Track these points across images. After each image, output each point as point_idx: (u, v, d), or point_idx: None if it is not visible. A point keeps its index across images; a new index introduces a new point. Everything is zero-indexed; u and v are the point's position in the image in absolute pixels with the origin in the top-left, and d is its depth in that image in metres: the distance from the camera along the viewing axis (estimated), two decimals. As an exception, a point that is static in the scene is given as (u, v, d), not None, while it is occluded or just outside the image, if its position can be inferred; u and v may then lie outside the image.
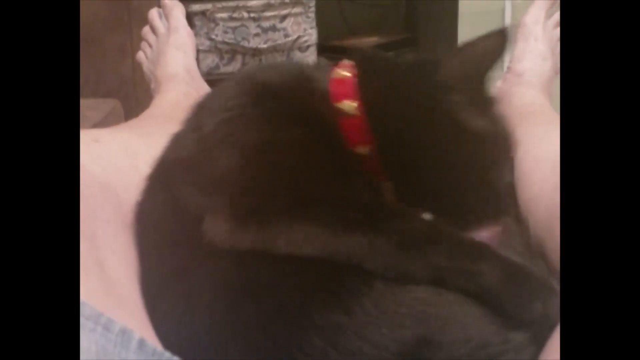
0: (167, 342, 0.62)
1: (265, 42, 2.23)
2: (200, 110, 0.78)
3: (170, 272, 0.67)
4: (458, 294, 0.63)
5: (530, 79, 1.32)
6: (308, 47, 2.31)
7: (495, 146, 0.78)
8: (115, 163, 0.79)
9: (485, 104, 0.77)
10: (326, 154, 0.72)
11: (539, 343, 0.62)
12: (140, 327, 0.61)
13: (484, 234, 0.75)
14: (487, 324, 0.62)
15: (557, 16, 1.46)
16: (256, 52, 2.23)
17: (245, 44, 2.21)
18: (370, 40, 2.48)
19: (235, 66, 2.24)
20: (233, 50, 2.22)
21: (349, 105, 0.73)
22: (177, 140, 0.78)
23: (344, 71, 0.76)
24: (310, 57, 2.31)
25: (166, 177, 0.74)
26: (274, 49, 2.25)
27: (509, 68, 1.37)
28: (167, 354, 0.57)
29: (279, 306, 0.62)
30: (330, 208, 0.66)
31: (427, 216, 0.72)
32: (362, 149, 0.73)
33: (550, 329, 0.62)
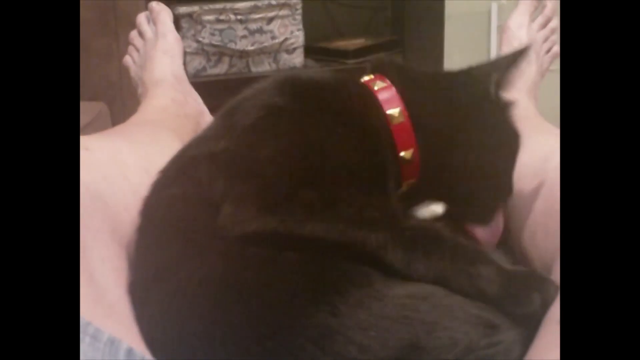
0: (155, 346, 0.63)
1: (252, 44, 2.23)
2: (232, 113, 0.80)
3: (160, 268, 0.67)
4: (444, 299, 0.64)
5: (515, 83, 1.32)
6: (295, 49, 2.31)
7: (515, 149, 0.87)
8: (104, 171, 0.79)
9: (505, 107, 0.87)
10: (363, 156, 0.76)
11: (526, 343, 0.63)
12: (129, 335, 0.61)
13: (487, 233, 0.86)
14: (474, 326, 0.62)
15: (540, 19, 1.47)
16: (243, 54, 2.24)
17: (232, 46, 2.21)
18: (357, 42, 2.48)
19: (222, 68, 2.24)
20: (220, 53, 2.22)
21: (396, 111, 0.79)
22: (204, 139, 0.80)
23: (381, 81, 0.83)
24: (297, 59, 2.31)
25: (188, 170, 0.75)
26: (261, 51, 2.26)
27: (493, 72, 1.37)
28: None
29: (267, 307, 0.62)
30: (355, 207, 0.69)
31: (438, 208, 0.81)
32: (407, 153, 0.79)
33: (537, 326, 0.64)
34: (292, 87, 0.81)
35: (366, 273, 0.65)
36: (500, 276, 0.66)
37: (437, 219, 0.81)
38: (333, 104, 0.79)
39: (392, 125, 0.79)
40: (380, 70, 0.86)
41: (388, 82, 0.83)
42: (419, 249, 0.67)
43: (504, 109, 0.87)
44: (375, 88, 0.82)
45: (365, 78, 0.85)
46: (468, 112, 0.84)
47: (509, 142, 0.88)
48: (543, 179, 0.84)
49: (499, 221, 0.88)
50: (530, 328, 0.64)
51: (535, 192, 0.85)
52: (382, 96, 0.81)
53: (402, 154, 0.79)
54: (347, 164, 0.74)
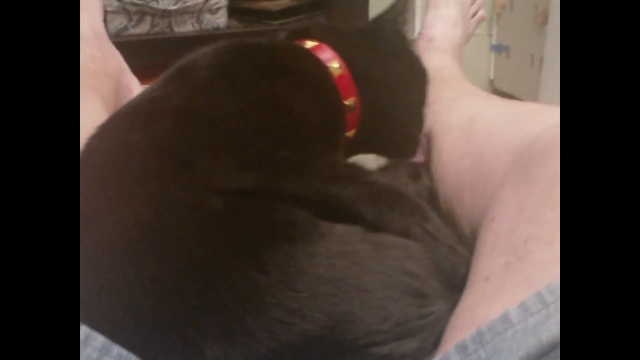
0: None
1: (174, 4, 2.18)
2: (181, 74, 0.80)
3: (89, 214, 0.63)
4: (375, 263, 0.63)
5: (441, 45, 1.33)
6: (218, 9, 2.27)
7: (426, 84, 1.01)
8: None
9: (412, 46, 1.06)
10: (321, 113, 0.81)
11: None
12: None
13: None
14: (406, 297, 0.62)
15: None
16: (165, 13, 2.19)
17: (154, 5, 2.16)
18: (282, 3, 2.45)
19: (144, 28, 2.19)
20: (142, 12, 2.17)
21: (335, 64, 0.87)
22: (154, 97, 0.78)
23: (311, 41, 0.90)
24: (220, 19, 2.28)
25: (140, 123, 0.72)
26: (184, 11, 2.21)
27: (420, 34, 1.38)
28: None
29: (189, 261, 0.59)
30: (327, 165, 0.72)
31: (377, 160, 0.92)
32: (350, 101, 0.87)
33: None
34: (240, 50, 0.84)
35: (294, 222, 0.64)
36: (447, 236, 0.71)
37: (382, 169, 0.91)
38: (283, 64, 0.82)
39: (334, 77, 0.85)
40: (305, 34, 0.91)
41: (317, 41, 0.89)
42: (384, 204, 0.69)
43: (412, 48, 1.03)
44: (307, 47, 0.88)
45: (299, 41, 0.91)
46: (390, 56, 0.94)
47: (423, 78, 1.00)
48: (470, 139, 0.84)
49: (422, 143, 1.00)
50: (458, 296, 0.64)
51: (463, 152, 0.85)
52: (319, 53, 0.87)
53: (346, 102, 0.86)
54: (311, 122, 0.77)
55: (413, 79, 0.99)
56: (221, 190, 0.65)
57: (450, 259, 0.68)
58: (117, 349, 0.56)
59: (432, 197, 0.91)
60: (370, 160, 0.95)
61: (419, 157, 1.00)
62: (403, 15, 0.99)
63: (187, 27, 2.23)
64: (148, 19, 2.19)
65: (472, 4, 1.45)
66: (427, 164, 0.96)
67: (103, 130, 0.75)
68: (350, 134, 0.89)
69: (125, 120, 0.75)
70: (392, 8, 1.00)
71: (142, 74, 1.40)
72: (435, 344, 0.62)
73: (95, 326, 0.57)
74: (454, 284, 0.65)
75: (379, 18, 1.00)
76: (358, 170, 0.76)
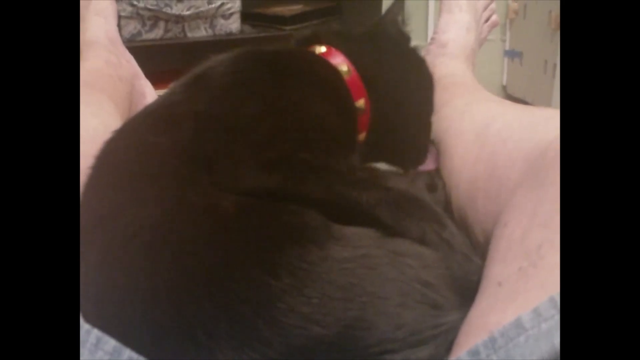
0: (87, 307, 0.59)
1: (188, 9, 2.18)
2: (198, 80, 0.81)
3: (105, 213, 0.64)
4: (390, 270, 0.63)
5: (454, 50, 1.33)
6: (232, 14, 2.27)
7: (432, 87, 1.02)
8: None
9: (416, 48, 1.05)
10: (338, 117, 0.82)
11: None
12: None
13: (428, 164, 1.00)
14: (421, 306, 0.61)
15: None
16: (179, 18, 2.19)
17: (168, 10, 2.16)
18: (295, 8, 2.45)
19: (157, 33, 2.19)
20: (155, 17, 2.17)
21: (344, 67, 0.89)
22: (172, 102, 0.79)
23: (320, 46, 0.92)
24: (233, 24, 2.28)
25: (160, 126, 0.74)
26: (197, 16, 2.21)
27: (432, 39, 1.38)
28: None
29: (200, 264, 0.59)
30: (346, 168, 0.73)
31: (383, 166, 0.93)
32: (360, 102, 0.88)
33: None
34: (256, 57, 0.85)
35: (307, 225, 0.64)
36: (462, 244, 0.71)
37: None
38: (298, 69, 0.84)
39: (345, 79, 0.87)
40: (314, 40, 0.93)
41: (326, 46, 0.91)
42: (402, 209, 0.70)
43: (415, 48, 1.04)
44: (317, 52, 0.90)
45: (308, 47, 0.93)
46: (394, 55, 0.97)
47: (429, 80, 1.02)
48: (483, 145, 0.84)
49: (432, 151, 1.02)
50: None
51: (476, 157, 0.85)
52: (329, 57, 0.88)
53: (356, 104, 0.87)
54: (329, 125, 0.79)
55: (418, 77, 1.01)
56: (240, 191, 0.65)
57: (465, 267, 0.68)
58: (128, 353, 0.56)
59: (446, 204, 0.91)
60: (381, 168, 0.96)
61: (430, 165, 0.99)
62: (401, 14, 1.02)
63: (200, 32, 2.23)
64: (162, 24, 2.19)
65: (485, 9, 1.45)
66: (439, 172, 0.96)
67: (120, 134, 0.76)
68: (361, 136, 0.90)
69: (144, 123, 0.76)
70: (390, 10, 1.03)
71: (155, 79, 1.40)
72: (448, 350, 0.61)
73: (106, 329, 0.57)
74: (468, 293, 0.65)
75: (380, 21, 1.03)
76: (377, 174, 0.76)
